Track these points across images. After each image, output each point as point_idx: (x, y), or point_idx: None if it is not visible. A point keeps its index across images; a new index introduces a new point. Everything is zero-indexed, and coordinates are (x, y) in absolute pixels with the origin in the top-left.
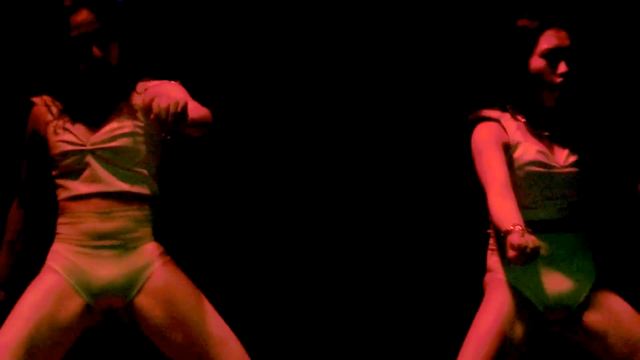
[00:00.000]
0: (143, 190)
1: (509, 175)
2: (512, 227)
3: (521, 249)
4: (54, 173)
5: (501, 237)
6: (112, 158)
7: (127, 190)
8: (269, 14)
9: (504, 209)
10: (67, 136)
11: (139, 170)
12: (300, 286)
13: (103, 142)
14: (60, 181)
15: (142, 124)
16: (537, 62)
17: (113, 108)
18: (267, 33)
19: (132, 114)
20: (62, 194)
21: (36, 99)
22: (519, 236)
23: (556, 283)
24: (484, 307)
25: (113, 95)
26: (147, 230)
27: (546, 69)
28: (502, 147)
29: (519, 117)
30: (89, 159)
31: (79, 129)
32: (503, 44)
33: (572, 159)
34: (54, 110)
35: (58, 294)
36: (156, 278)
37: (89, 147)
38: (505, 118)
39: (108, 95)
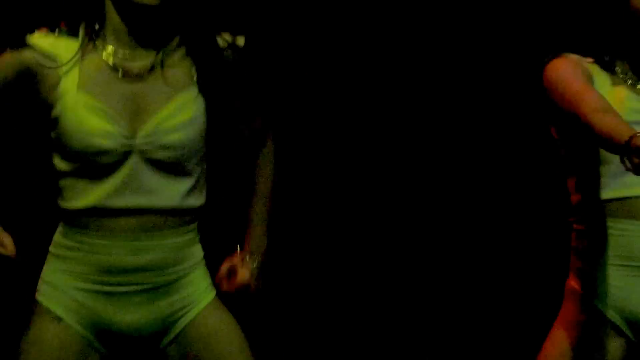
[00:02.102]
0: (196, 201)
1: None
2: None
3: None
4: (61, 165)
5: (623, 146)
6: (167, 159)
7: (177, 207)
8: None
9: (613, 122)
10: (101, 122)
11: (197, 172)
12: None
13: (158, 134)
14: (73, 181)
15: (207, 97)
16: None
17: (170, 69)
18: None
19: (196, 78)
20: (74, 200)
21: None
22: None
23: None
24: (556, 327)
25: (166, 41)
26: (191, 255)
27: None
28: (586, 76)
29: (607, 64)
30: (135, 160)
31: (119, 109)
32: None
33: None
34: (77, 68)
35: (71, 357)
36: (198, 324)
37: (138, 143)
38: (586, 61)
39: (160, 45)
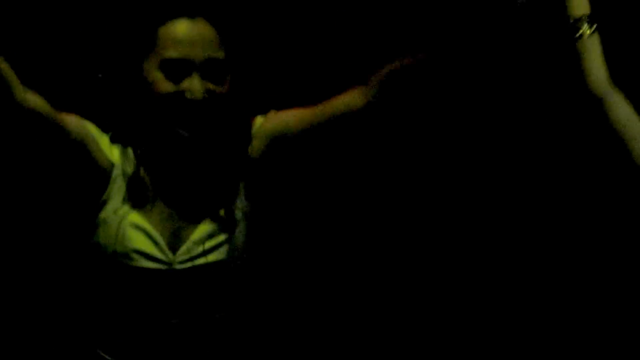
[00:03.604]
0: (240, 304)
1: None
2: None
3: None
4: (98, 265)
5: None
6: (208, 275)
7: (221, 315)
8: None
9: None
10: (143, 243)
11: (238, 280)
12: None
13: (196, 255)
14: (107, 283)
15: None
16: None
17: (216, 178)
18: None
19: (239, 189)
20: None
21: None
22: None
23: None
24: None
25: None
26: None
27: None
28: None
29: None
30: (175, 278)
31: (160, 229)
32: None
33: None
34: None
35: None
36: None
37: (177, 264)
38: None
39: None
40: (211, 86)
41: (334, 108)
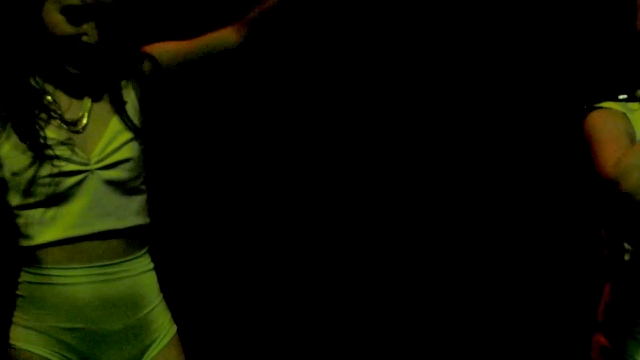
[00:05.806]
0: (146, 219)
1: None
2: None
3: None
4: (19, 201)
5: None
6: (120, 177)
7: (134, 225)
8: None
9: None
10: (59, 147)
11: (143, 190)
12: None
13: (108, 153)
14: (35, 214)
15: (141, 110)
16: None
17: (111, 92)
18: None
19: (131, 95)
20: (40, 234)
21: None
22: None
23: None
24: None
25: (104, 72)
26: (154, 285)
27: None
28: (626, 135)
29: None
30: (94, 182)
31: (72, 135)
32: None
33: None
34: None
35: None
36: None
37: (93, 165)
38: (632, 109)
39: (99, 75)
40: (106, 31)
41: (209, 43)
